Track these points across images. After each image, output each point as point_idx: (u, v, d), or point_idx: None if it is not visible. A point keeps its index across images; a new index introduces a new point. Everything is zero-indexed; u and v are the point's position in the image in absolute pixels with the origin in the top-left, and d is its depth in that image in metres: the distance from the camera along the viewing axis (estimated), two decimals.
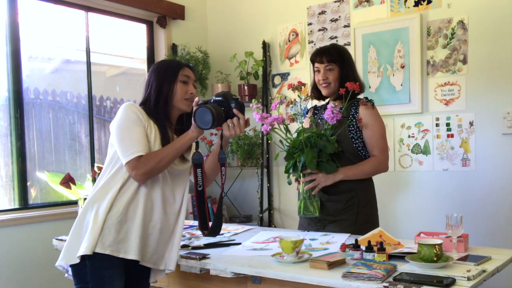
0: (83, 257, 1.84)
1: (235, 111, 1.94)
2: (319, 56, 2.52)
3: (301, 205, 2.39)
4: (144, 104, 2.02)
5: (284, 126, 2.39)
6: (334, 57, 2.49)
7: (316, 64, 2.53)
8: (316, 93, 2.60)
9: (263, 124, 2.32)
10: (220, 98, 1.95)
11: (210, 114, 1.85)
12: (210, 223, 2.05)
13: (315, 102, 2.75)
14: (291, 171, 2.41)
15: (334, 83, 2.48)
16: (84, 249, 1.82)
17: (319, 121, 2.54)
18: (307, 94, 2.55)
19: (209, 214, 2.07)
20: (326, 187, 2.40)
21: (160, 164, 1.89)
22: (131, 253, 1.87)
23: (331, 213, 2.43)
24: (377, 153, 2.44)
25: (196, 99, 1.95)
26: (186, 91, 2.01)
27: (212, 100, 1.96)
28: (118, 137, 1.91)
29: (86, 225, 1.89)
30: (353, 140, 2.43)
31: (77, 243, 1.87)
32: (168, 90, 1.99)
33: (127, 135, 1.89)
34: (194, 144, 2.09)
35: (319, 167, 2.34)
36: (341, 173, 2.38)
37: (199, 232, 2.60)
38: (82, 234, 1.88)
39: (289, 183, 2.51)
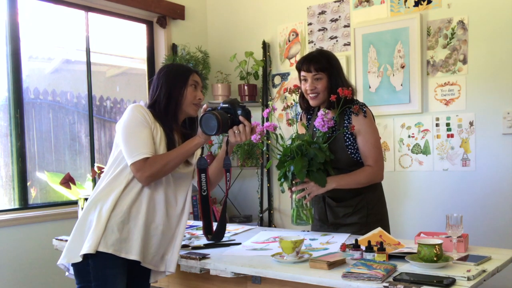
0: (85, 256, 1.84)
1: (241, 118, 1.97)
2: (306, 64, 2.36)
3: (293, 213, 2.35)
4: (152, 107, 2.03)
5: (275, 134, 2.31)
6: (322, 65, 2.34)
7: (303, 73, 2.38)
8: (304, 103, 2.49)
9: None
10: (227, 105, 1.98)
11: (215, 120, 1.88)
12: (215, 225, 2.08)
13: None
14: (282, 180, 2.35)
15: (323, 93, 2.35)
16: (87, 248, 1.82)
17: (314, 129, 2.41)
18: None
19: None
20: (333, 194, 2.37)
21: (166, 168, 1.91)
22: (133, 254, 1.87)
23: (342, 217, 2.41)
24: (371, 163, 2.36)
25: (205, 105, 1.98)
26: (195, 96, 2.05)
27: (219, 107, 1.99)
28: (124, 137, 1.92)
29: (89, 224, 1.89)
30: (352, 155, 2.36)
31: (79, 242, 1.88)
32: (178, 93, 2.02)
33: (134, 136, 1.91)
34: (199, 149, 2.10)
35: (309, 176, 2.26)
36: (334, 182, 2.29)
37: (199, 232, 2.60)
38: (85, 233, 1.89)
39: (282, 191, 2.48)
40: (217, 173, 2.15)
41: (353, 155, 2.37)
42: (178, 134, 2.08)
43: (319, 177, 2.26)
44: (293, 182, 2.31)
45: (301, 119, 2.64)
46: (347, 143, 2.36)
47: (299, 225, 2.40)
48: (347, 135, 2.37)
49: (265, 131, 2.26)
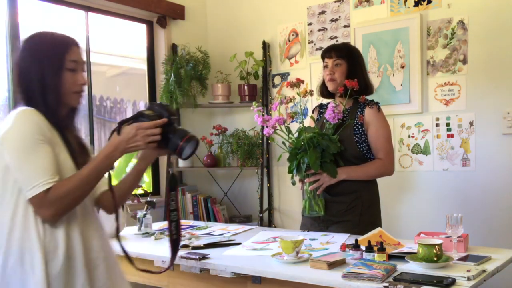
0: None
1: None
2: (328, 51, 2.53)
3: (306, 204, 2.39)
4: (30, 101, 1.53)
5: (286, 127, 2.38)
6: (342, 53, 2.49)
7: (325, 59, 2.53)
8: (324, 90, 2.59)
9: (263, 127, 2.31)
10: (175, 117, 1.61)
11: (197, 145, 1.57)
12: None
13: (317, 100, 2.74)
14: (294, 172, 2.40)
15: (340, 79, 2.46)
16: None
17: (324, 121, 2.50)
18: (306, 91, 2.48)
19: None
20: (329, 188, 2.39)
21: (76, 196, 1.47)
22: None
23: (334, 214, 2.42)
24: (383, 156, 2.43)
25: (162, 120, 1.53)
26: (75, 81, 1.56)
27: (170, 119, 1.58)
28: (18, 164, 1.45)
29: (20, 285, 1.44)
30: (358, 144, 2.41)
31: None
32: (54, 83, 1.53)
33: (28, 160, 1.44)
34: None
35: (322, 167, 2.33)
36: (344, 173, 2.37)
37: (199, 232, 2.60)
38: None
39: (293, 183, 2.50)
40: (130, 188, 1.71)
41: (359, 145, 2.41)
42: (72, 136, 1.63)
43: (331, 168, 2.33)
44: (306, 173, 2.36)
45: (313, 112, 2.70)
46: (355, 132, 2.42)
47: (311, 216, 2.44)
48: (356, 125, 2.43)
49: (277, 125, 2.30)
